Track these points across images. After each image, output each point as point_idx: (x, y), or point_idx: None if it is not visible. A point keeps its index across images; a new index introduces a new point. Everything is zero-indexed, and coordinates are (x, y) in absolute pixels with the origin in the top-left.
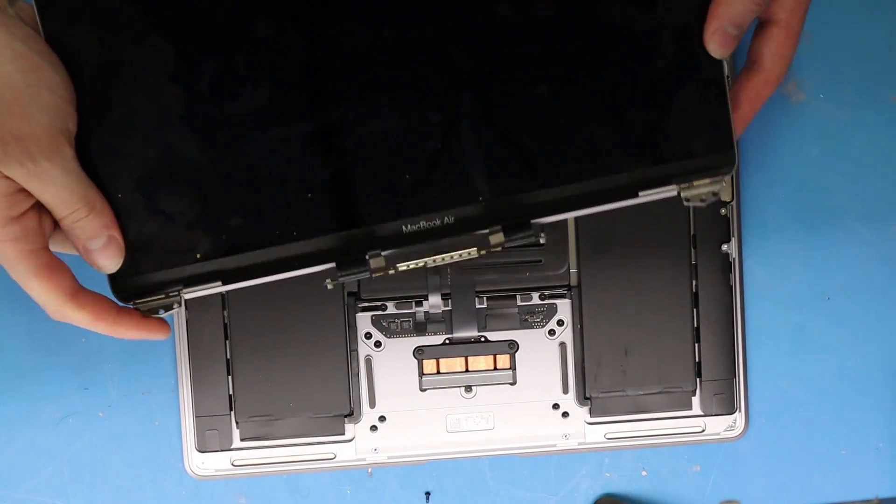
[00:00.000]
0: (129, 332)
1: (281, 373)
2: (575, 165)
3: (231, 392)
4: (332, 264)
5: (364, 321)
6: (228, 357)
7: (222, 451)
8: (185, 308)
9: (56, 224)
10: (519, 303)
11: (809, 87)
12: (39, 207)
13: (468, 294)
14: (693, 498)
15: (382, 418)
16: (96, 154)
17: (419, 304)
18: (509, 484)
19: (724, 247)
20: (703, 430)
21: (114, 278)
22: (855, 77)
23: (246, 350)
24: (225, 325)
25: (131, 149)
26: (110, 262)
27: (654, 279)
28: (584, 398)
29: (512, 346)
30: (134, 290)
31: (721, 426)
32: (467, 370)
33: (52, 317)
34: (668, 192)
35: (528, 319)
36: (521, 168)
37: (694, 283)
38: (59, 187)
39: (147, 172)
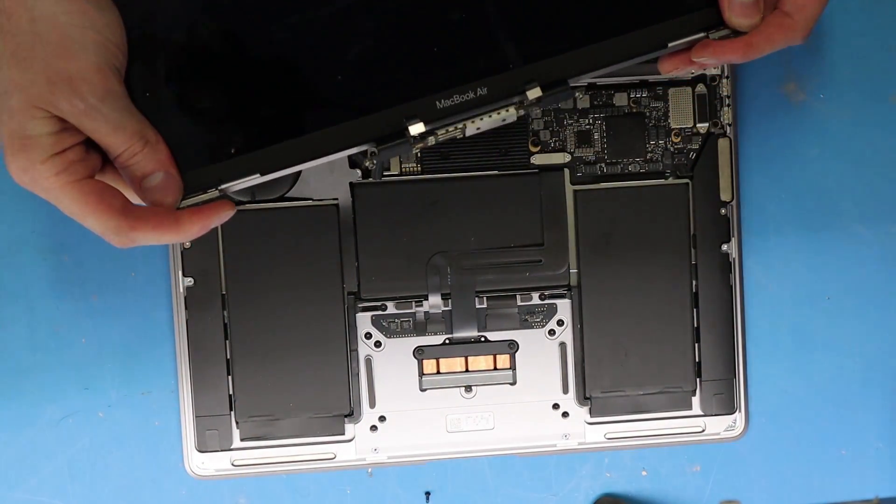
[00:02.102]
0: (196, 226)
1: (281, 373)
2: (601, 24)
3: (231, 392)
4: (369, 145)
5: (364, 321)
6: (228, 357)
7: (222, 451)
8: (187, 308)
9: (105, 161)
10: (519, 303)
11: (809, 87)
12: (87, 143)
13: (468, 294)
14: (693, 498)
15: (382, 418)
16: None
17: (419, 304)
18: (509, 484)
19: (724, 247)
20: (703, 430)
21: None
22: (855, 77)
23: (246, 350)
24: (225, 325)
25: (158, 46)
26: (169, 198)
27: (654, 279)
28: (584, 398)
29: (512, 346)
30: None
31: (721, 426)
32: (467, 370)
33: (117, 245)
34: (697, 36)
35: (528, 319)
36: (549, 30)
37: (694, 283)
38: (112, 124)
39: (174, 68)
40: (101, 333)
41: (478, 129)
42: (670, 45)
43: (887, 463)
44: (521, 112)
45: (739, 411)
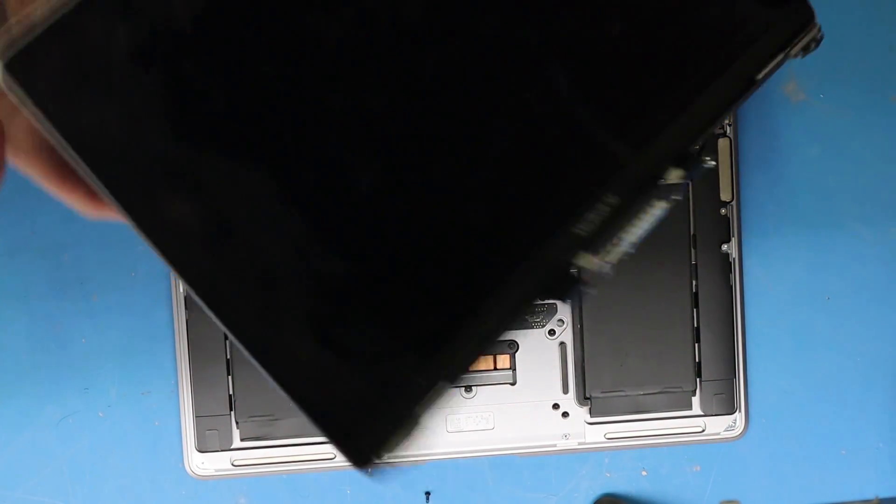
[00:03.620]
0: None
1: None
2: (686, 83)
3: (231, 392)
4: (544, 297)
5: None
6: (228, 357)
7: (222, 451)
8: (187, 308)
9: None
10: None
11: (809, 87)
12: None
13: None
14: (693, 498)
15: None
16: None
17: None
18: (509, 484)
19: (724, 247)
20: (703, 430)
21: (351, 456)
22: (855, 77)
23: None
24: None
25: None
26: None
27: (654, 279)
28: (584, 398)
29: (512, 346)
30: (373, 448)
31: (721, 426)
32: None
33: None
34: (778, 59)
35: (528, 319)
36: (642, 112)
37: (694, 283)
38: None
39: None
40: (101, 333)
41: (638, 238)
42: (758, 77)
43: (887, 463)
44: (674, 198)
45: (739, 411)
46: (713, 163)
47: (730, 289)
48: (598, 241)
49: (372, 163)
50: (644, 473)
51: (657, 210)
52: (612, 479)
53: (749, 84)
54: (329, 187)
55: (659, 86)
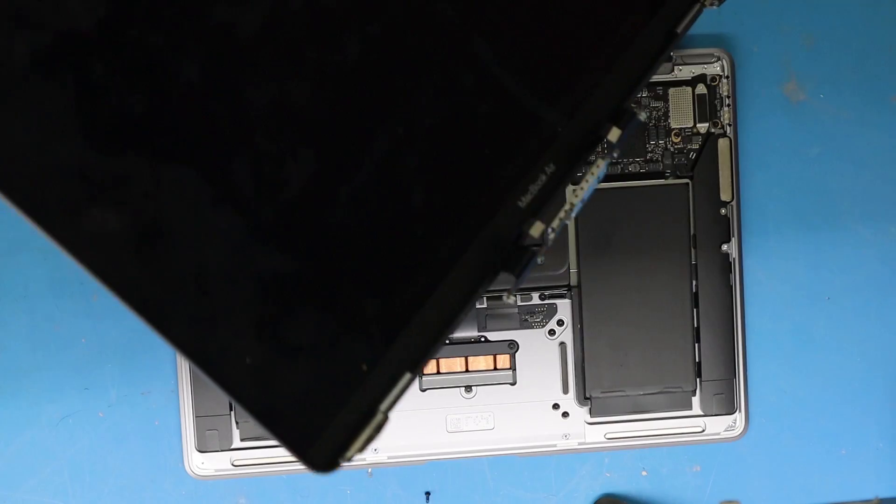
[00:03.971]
0: None
1: None
2: (607, 44)
3: None
4: (504, 275)
5: None
6: None
7: (222, 451)
8: None
9: None
10: (519, 303)
11: (809, 87)
12: None
13: None
14: (693, 498)
15: None
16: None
17: None
18: (509, 484)
19: (724, 247)
20: (703, 430)
21: (307, 460)
22: (855, 77)
23: None
24: None
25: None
26: None
27: (654, 279)
28: (584, 398)
29: (512, 346)
30: (335, 450)
31: (721, 426)
32: (467, 370)
33: None
34: (695, 10)
35: (528, 319)
36: (568, 78)
37: (694, 283)
38: None
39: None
40: (101, 333)
41: (581, 200)
42: (679, 30)
43: (887, 463)
44: (608, 160)
45: (739, 411)
46: (644, 116)
47: (730, 289)
48: (544, 208)
49: (302, 154)
50: (644, 473)
51: (598, 169)
52: (612, 479)
53: (670, 38)
54: (260, 183)
55: (580, 50)
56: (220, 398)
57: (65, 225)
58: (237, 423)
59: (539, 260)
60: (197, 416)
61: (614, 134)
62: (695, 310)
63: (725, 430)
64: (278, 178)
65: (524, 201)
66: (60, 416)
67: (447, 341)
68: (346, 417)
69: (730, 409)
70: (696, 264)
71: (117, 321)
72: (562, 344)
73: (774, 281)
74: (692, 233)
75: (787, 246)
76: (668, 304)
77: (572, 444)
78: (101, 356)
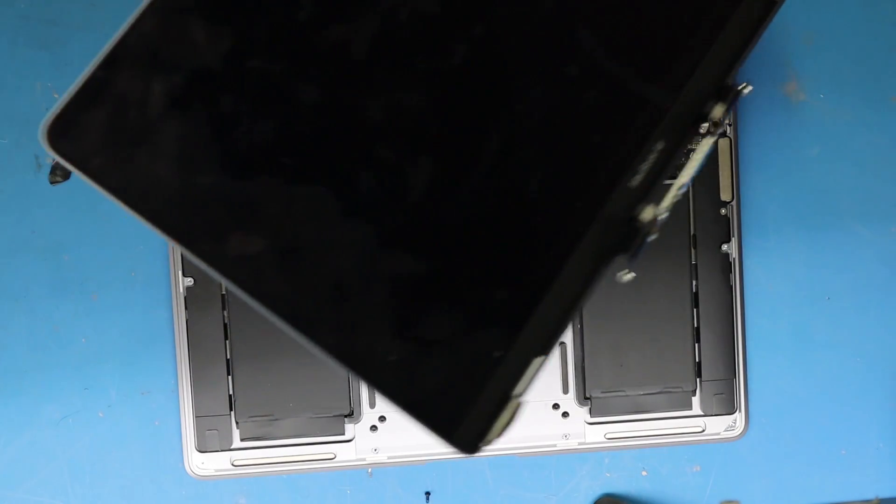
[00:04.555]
0: None
1: (281, 373)
2: (708, 18)
3: (231, 392)
4: (621, 258)
5: None
6: (228, 357)
7: (222, 451)
8: (186, 308)
9: None
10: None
11: (809, 87)
12: None
13: None
14: (693, 498)
15: (382, 418)
16: None
17: None
18: (509, 484)
19: (724, 247)
20: (703, 430)
21: (454, 443)
22: (855, 77)
23: (246, 350)
24: (225, 325)
25: None
26: None
27: (654, 279)
28: (584, 398)
29: None
30: (477, 434)
31: (721, 426)
32: None
33: None
34: None
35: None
36: (672, 56)
37: (694, 283)
38: None
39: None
40: (101, 333)
41: (691, 178)
42: None
43: (887, 463)
44: (716, 136)
45: (739, 411)
46: (750, 87)
47: (730, 289)
48: (654, 189)
49: (421, 160)
50: (644, 473)
51: (706, 147)
52: (612, 479)
53: (770, 5)
54: (384, 192)
55: (682, 27)
56: (220, 398)
57: (213, 250)
58: (237, 423)
59: (652, 238)
60: (197, 416)
61: (719, 110)
62: (695, 310)
63: (725, 430)
64: (401, 185)
65: (635, 182)
66: (60, 416)
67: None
68: (485, 403)
69: (730, 409)
70: (696, 264)
71: (117, 321)
72: (562, 344)
73: (774, 281)
74: (692, 233)
75: (787, 246)
76: (668, 304)
77: (572, 444)
78: (101, 356)
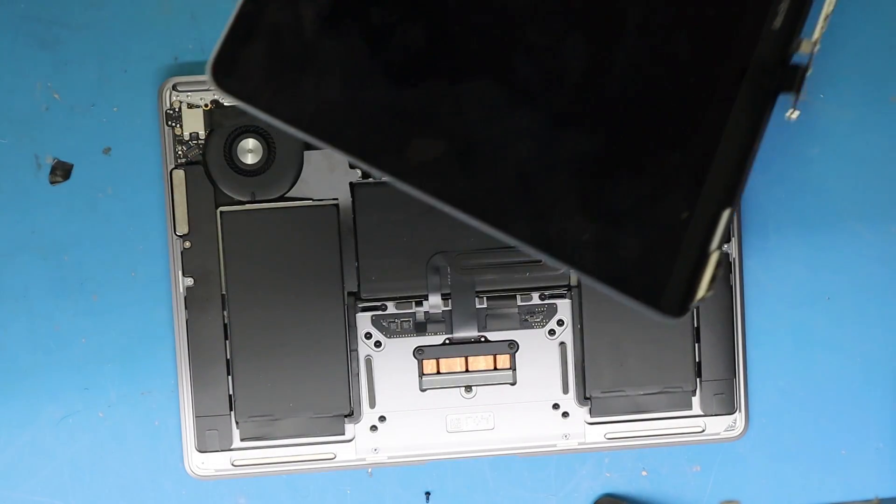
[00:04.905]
0: None
1: (281, 373)
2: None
3: (231, 392)
4: (779, 94)
5: (364, 321)
6: (228, 357)
7: (222, 451)
8: (187, 308)
9: None
10: (519, 303)
11: (809, 87)
12: None
13: (468, 294)
14: (693, 498)
15: (382, 418)
16: None
17: (419, 304)
18: (509, 484)
19: (725, 247)
20: (703, 430)
21: (662, 309)
22: (855, 77)
23: (246, 350)
24: (225, 325)
25: None
26: None
27: None
28: (584, 398)
29: (512, 346)
30: (683, 296)
31: (721, 426)
32: (467, 370)
33: None
34: None
35: (528, 319)
36: None
37: None
38: None
39: None
40: (101, 333)
41: (834, 7)
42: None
43: (887, 463)
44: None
45: (739, 411)
46: None
47: (730, 289)
48: (798, 25)
49: (571, 39)
50: (644, 473)
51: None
52: (612, 479)
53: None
54: (545, 75)
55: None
56: (220, 398)
57: (396, 162)
58: (237, 423)
59: (810, 70)
60: (197, 416)
61: (806, 45)
62: (695, 310)
63: (725, 430)
64: (559, 66)
65: (777, 23)
66: (60, 416)
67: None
68: (683, 265)
69: (730, 409)
70: None
71: (117, 321)
72: (562, 344)
73: (774, 281)
74: None
75: (787, 246)
76: None
77: (572, 444)
78: (101, 356)
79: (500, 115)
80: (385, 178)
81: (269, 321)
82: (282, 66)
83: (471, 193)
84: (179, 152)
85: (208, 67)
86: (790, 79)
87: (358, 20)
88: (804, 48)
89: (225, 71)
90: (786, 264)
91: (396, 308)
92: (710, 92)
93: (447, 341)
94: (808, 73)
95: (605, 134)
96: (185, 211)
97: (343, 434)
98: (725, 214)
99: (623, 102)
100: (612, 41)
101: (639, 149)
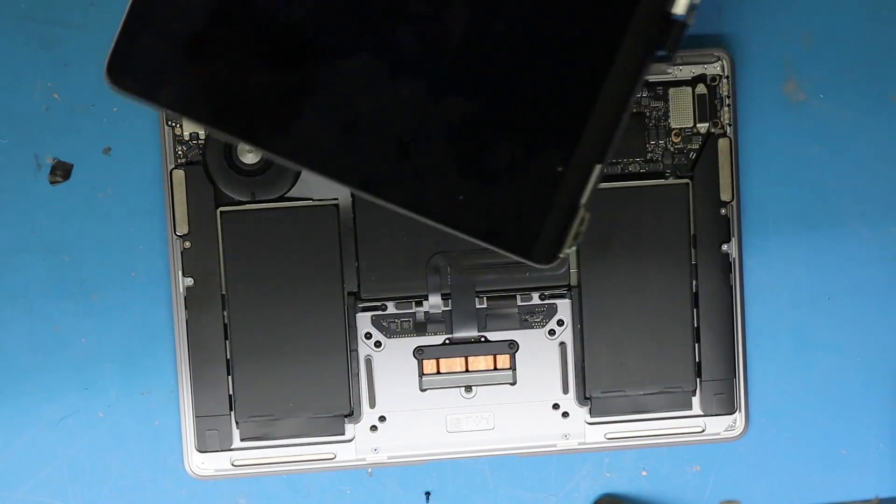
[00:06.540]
0: None
1: (281, 373)
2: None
3: (231, 392)
4: (656, 49)
5: (364, 321)
6: (228, 357)
7: (222, 451)
8: (186, 308)
9: None
10: (519, 303)
11: (809, 87)
12: None
13: (468, 294)
14: (693, 498)
15: (382, 418)
16: None
17: (419, 304)
18: (509, 484)
19: (724, 247)
20: (703, 430)
21: (532, 259)
22: (855, 77)
23: (246, 350)
24: (225, 325)
25: None
26: None
27: (654, 279)
28: (584, 398)
29: (512, 346)
30: (552, 246)
31: (721, 426)
32: (467, 370)
33: None
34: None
35: (528, 319)
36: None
37: (694, 283)
38: None
39: None
40: (101, 333)
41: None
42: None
43: (887, 463)
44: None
45: (739, 411)
46: None
47: (730, 289)
48: None
49: (453, 2)
50: (644, 473)
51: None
52: (612, 479)
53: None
54: (425, 43)
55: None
56: (220, 398)
57: (280, 139)
58: (237, 423)
59: (690, 25)
60: (197, 416)
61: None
62: (695, 310)
63: (725, 430)
64: (439, 33)
65: None
66: (60, 416)
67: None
68: (555, 217)
69: (730, 409)
70: (696, 264)
71: (117, 321)
72: (562, 344)
73: (774, 281)
74: (692, 233)
75: (787, 246)
76: (668, 304)
77: (572, 444)
78: (101, 356)
79: (382, 87)
80: (272, 157)
81: (269, 321)
82: (173, 58)
83: (352, 166)
84: (179, 152)
85: (104, 69)
86: (669, 32)
87: (244, 6)
88: (678, 5)
89: (119, 70)
90: (786, 264)
91: (396, 308)
92: (591, 46)
93: (447, 341)
94: (686, 28)
95: (483, 97)
96: (185, 211)
97: (343, 434)
98: (597, 169)
99: (501, 65)
100: (494, 3)
101: (517, 108)
